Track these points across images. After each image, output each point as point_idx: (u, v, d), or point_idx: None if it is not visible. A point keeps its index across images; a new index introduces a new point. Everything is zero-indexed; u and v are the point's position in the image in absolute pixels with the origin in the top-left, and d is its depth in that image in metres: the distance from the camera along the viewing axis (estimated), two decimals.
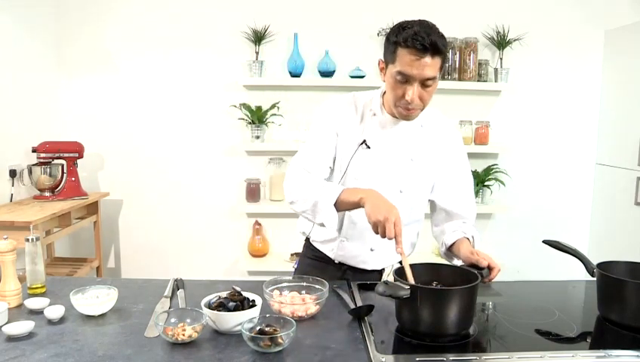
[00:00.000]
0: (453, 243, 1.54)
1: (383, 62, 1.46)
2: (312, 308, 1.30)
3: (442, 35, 1.37)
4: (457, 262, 1.55)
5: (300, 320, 1.25)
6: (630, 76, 3.04)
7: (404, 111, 1.44)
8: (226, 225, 3.35)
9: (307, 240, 1.73)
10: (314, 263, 1.66)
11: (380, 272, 1.66)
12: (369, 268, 1.63)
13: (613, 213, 3.18)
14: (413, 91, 1.38)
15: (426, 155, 1.55)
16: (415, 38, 1.32)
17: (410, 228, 1.61)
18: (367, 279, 1.60)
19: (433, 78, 1.38)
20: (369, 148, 1.51)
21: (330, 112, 1.56)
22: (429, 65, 1.34)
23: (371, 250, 1.60)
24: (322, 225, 1.43)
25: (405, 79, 1.37)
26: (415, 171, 1.54)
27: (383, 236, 1.29)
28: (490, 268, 1.38)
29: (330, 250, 1.64)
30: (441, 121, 1.61)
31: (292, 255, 3.19)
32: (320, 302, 1.32)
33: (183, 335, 1.13)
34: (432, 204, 1.65)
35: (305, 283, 1.42)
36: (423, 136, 1.56)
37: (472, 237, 1.55)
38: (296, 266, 1.78)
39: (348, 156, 1.52)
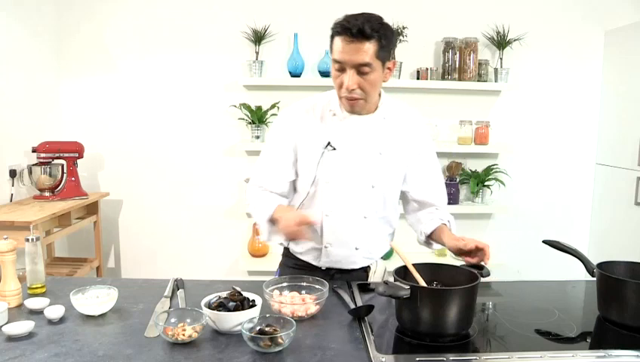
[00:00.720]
0: (433, 231, 1.55)
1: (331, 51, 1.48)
2: (312, 308, 1.30)
3: (375, 21, 1.37)
4: (437, 247, 1.59)
5: (299, 320, 1.25)
6: (630, 76, 3.05)
7: (347, 101, 1.44)
8: (226, 225, 3.35)
9: (286, 249, 1.70)
10: (297, 271, 1.59)
11: (366, 269, 1.66)
12: (357, 266, 1.62)
13: (613, 213, 3.18)
14: (348, 78, 1.38)
15: (393, 148, 1.54)
16: (343, 24, 1.36)
17: (384, 222, 1.61)
18: (355, 278, 1.60)
19: (367, 65, 1.37)
20: (335, 149, 1.49)
21: (285, 123, 1.56)
22: (360, 50, 1.35)
23: (356, 248, 1.58)
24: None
25: (341, 67, 1.39)
26: (385, 165, 1.53)
27: (291, 239, 1.40)
28: (479, 250, 1.37)
29: (315, 259, 1.61)
30: (403, 111, 1.60)
31: None
32: (320, 302, 1.32)
33: (183, 335, 1.13)
34: (403, 194, 1.66)
35: (305, 283, 1.42)
36: (388, 128, 1.54)
37: (449, 222, 1.57)
38: (277, 277, 1.75)
39: (315, 161, 1.50)
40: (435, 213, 1.59)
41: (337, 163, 1.50)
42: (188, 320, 1.19)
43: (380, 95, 1.52)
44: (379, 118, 1.52)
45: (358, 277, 1.61)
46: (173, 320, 1.20)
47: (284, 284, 1.42)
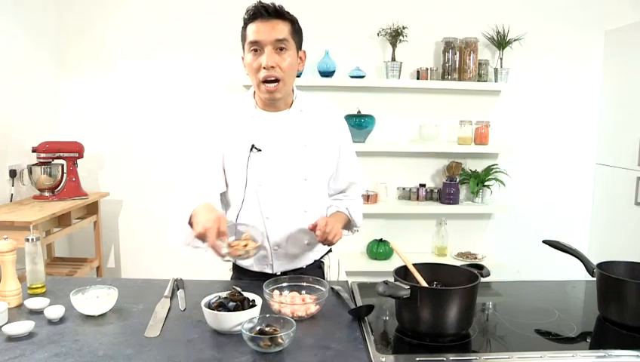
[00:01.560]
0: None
1: (243, 55, 1.50)
2: (312, 308, 1.30)
3: (280, 5, 1.45)
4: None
5: (299, 320, 1.25)
6: (630, 76, 3.05)
7: (265, 87, 1.44)
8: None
9: (234, 264, 1.67)
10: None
11: (320, 266, 1.65)
12: (311, 261, 1.61)
13: (613, 213, 3.18)
14: (267, 56, 1.42)
15: (315, 138, 1.54)
16: (254, 6, 1.44)
17: (315, 215, 1.57)
18: (313, 276, 1.54)
19: (283, 41, 1.42)
20: (260, 150, 1.49)
21: (211, 131, 1.54)
22: (275, 28, 1.42)
23: (307, 244, 1.57)
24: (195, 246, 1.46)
25: (257, 47, 1.43)
26: (312, 156, 1.53)
27: (200, 236, 1.34)
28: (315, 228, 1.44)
29: (267, 266, 1.58)
30: (318, 102, 1.61)
31: None
32: (320, 301, 1.32)
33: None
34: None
35: (305, 283, 1.42)
36: (306, 120, 1.55)
37: (347, 209, 1.63)
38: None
39: (243, 166, 1.50)
40: (335, 202, 1.65)
41: (265, 163, 1.50)
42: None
43: (292, 90, 1.55)
44: (296, 111, 1.54)
45: (316, 275, 1.55)
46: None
47: (284, 284, 1.42)
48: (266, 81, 1.44)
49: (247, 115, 1.53)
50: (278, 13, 1.43)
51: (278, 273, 1.59)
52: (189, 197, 1.46)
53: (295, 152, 1.51)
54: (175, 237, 1.49)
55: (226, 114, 1.56)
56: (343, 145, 1.62)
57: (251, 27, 1.44)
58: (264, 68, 1.42)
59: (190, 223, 1.41)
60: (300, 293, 1.38)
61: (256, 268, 1.61)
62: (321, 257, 1.67)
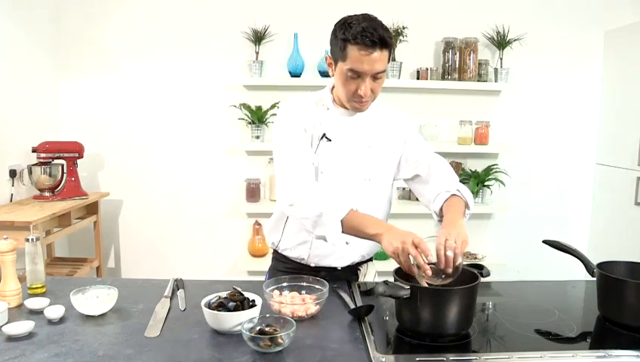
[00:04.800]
0: (441, 208, 1.46)
1: (330, 58, 1.47)
2: (312, 308, 1.30)
3: (386, 28, 1.40)
4: None
5: (300, 320, 1.25)
6: (630, 76, 3.04)
7: (357, 104, 1.46)
8: (226, 225, 3.35)
9: (275, 251, 1.68)
10: (286, 276, 1.49)
11: (356, 272, 1.64)
12: (347, 263, 1.60)
13: (613, 213, 3.18)
14: (365, 86, 1.40)
15: (381, 140, 1.56)
16: (364, 34, 1.34)
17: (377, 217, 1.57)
18: (344, 279, 1.59)
19: (384, 71, 1.41)
20: (330, 140, 1.51)
21: (294, 112, 1.54)
22: (379, 59, 1.37)
23: (347, 243, 1.53)
24: (322, 238, 1.40)
25: (357, 75, 1.39)
26: (375, 157, 1.55)
27: (407, 266, 1.24)
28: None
29: (305, 253, 1.59)
30: (390, 109, 1.64)
31: None
32: (320, 302, 1.32)
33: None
34: (408, 182, 1.63)
35: (305, 283, 1.42)
36: (376, 123, 1.57)
37: (459, 191, 1.45)
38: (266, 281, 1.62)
39: (313, 151, 1.52)
40: (443, 187, 1.48)
41: (332, 154, 1.52)
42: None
43: None
44: (368, 113, 1.55)
45: (347, 279, 1.60)
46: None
47: (284, 284, 1.42)
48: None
49: (323, 107, 1.54)
50: (383, 44, 1.35)
51: (312, 265, 1.59)
52: (317, 186, 1.44)
53: (359, 151, 1.54)
54: (328, 229, 1.38)
55: (303, 102, 1.56)
56: (410, 137, 1.60)
57: (354, 52, 1.36)
58: (360, 95, 1.41)
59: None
60: (300, 293, 1.38)
61: (293, 254, 1.61)
62: (359, 264, 1.65)
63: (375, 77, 1.41)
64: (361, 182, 1.54)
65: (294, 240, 1.60)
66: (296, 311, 1.28)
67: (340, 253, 1.58)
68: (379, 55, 1.36)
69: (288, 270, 1.61)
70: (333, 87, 1.55)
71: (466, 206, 1.46)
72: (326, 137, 1.51)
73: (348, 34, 1.36)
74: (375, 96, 1.47)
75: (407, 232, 1.30)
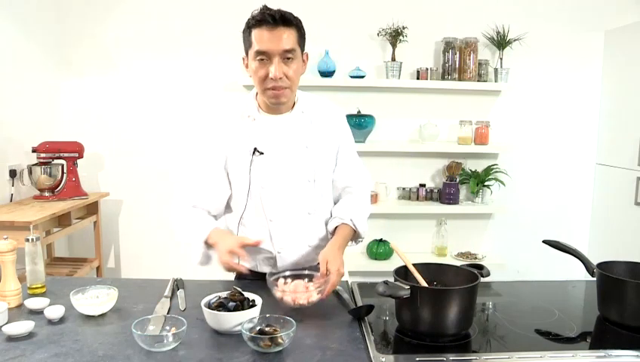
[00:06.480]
0: (334, 230, 1.54)
1: (245, 57, 1.48)
2: (314, 296, 1.30)
3: (289, 12, 1.43)
4: None
5: (300, 320, 1.24)
6: (630, 76, 3.04)
7: (272, 92, 1.44)
8: None
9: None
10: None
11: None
12: (315, 263, 1.56)
13: (613, 213, 3.18)
14: (275, 67, 1.39)
15: (317, 138, 1.54)
16: (262, 14, 1.39)
17: (320, 217, 1.58)
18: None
19: (291, 51, 1.40)
20: (262, 153, 1.48)
21: (214, 135, 1.53)
22: (283, 36, 1.38)
23: (309, 246, 1.56)
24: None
25: (265, 56, 1.40)
26: (314, 158, 1.53)
27: (229, 270, 1.36)
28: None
29: (272, 268, 1.55)
30: (318, 102, 1.61)
31: None
32: (322, 290, 1.32)
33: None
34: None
35: (307, 272, 1.44)
36: (308, 122, 1.55)
37: (351, 221, 1.53)
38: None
39: (246, 168, 1.49)
40: (339, 212, 1.56)
41: (268, 166, 1.49)
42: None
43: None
44: (297, 113, 1.54)
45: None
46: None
47: (287, 273, 1.43)
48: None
49: (249, 118, 1.52)
50: (285, 20, 1.39)
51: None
52: (199, 211, 1.53)
53: (297, 155, 1.51)
54: (193, 258, 1.50)
55: (228, 117, 1.55)
56: (342, 147, 1.60)
57: (257, 34, 1.40)
58: (272, 78, 1.40)
59: (206, 242, 1.45)
60: (304, 280, 1.39)
61: (260, 270, 1.59)
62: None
63: (285, 58, 1.40)
64: (305, 184, 1.52)
65: (254, 261, 1.58)
66: (298, 299, 1.30)
67: (306, 257, 1.56)
68: (283, 32, 1.38)
69: (255, 280, 1.57)
70: (257, 94, 1.53)
71: (357, 234, 1.55)
72: (257, 151, 1.48)
73: (250, 21, 1.41)
74: (292, 83, 1.44)
75: (229, 242, 1.38)
